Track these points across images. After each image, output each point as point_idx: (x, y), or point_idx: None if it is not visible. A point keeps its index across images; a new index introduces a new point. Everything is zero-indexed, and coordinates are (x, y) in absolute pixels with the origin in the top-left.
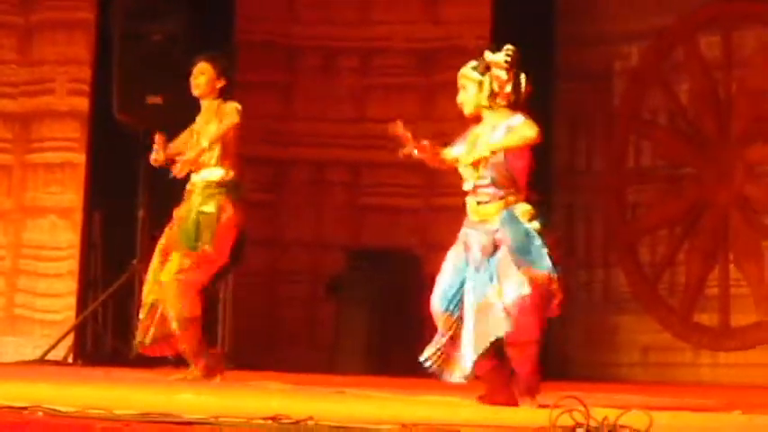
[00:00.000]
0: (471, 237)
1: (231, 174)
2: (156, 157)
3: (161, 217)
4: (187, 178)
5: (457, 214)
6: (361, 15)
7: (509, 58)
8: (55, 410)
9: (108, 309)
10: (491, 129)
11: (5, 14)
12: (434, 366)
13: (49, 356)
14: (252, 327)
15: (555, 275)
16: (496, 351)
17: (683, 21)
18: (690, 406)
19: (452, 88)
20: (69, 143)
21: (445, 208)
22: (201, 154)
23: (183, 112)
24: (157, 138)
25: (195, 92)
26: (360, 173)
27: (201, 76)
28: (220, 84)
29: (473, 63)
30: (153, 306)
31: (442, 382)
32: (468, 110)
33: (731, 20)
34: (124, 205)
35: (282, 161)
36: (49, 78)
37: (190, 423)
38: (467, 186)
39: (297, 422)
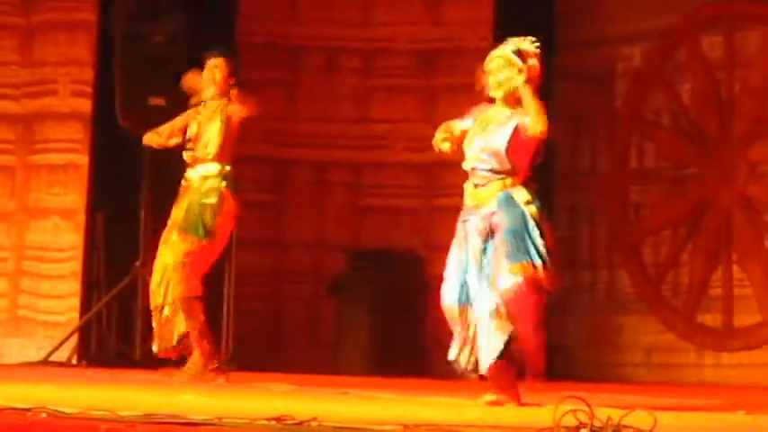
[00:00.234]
0: (469, 224)
1: (227, 168)
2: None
3: (164, 218)
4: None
5: (458, 215)
6: (363, 16)
7: (539, 51)
8: (59, 412)
9: (112, 310)
10: (506, 118)
11: (7, 15)
12: (465, 364)
13: (53, 358)
14: (254, 327)
15: (544, 265)
16: (506, 349)
17: (685, 21)
18: (693, 406)
19: (454, 89)
20: (72, 144)
21: (446, 209)
22: None
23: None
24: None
25: (208, 86)
26: (361, 173)
27: (218, 72)
28: (230, 82)
29: (511, 47)
30: (161, 310)
31: (444, 383)
32: (500, 92)
33: (734, 20)
34: (127, 206)
35: (284, 161)
36: (51, 80)
37: (194, 424)
38: (466, 165)
39: (300, 423)
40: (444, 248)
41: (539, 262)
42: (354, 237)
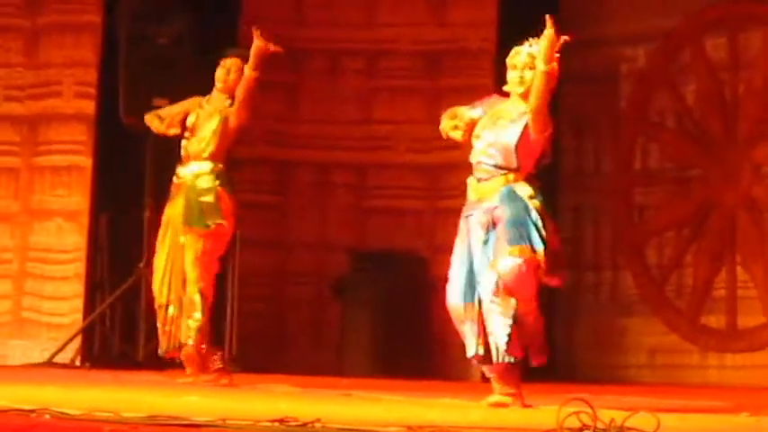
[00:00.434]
0: (472, 219)
1: (220, 166)
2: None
3: None
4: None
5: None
6: (367, 17)
7: (558, 55)
8: (62, 413)
9: (115, 311)
10: (519, 114)
11: (12, 17)
12: (482, 358)
13: (57, 359)
14: (257, 329)
15: (546, 252)
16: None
17: (689, 22)
18: (697, 408)
19: (458, 90)
20: (76, 146)
21: (450, 210)
22: None
23: None
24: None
25: (222, 86)
26: (365, 175)
27: (234, 73)
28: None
29: (537, 47)
30: (165, 309)
31: (447, 384)
32: (522, 89)
33: (737, 21)
34: (130, 208)
35: (288, 163)
36: (55, 81)
37: (197, 425)
38: (473, 158)
39: (304, 424)
40: (448, 250)
41: (539, 247)
42: (358, 238)
